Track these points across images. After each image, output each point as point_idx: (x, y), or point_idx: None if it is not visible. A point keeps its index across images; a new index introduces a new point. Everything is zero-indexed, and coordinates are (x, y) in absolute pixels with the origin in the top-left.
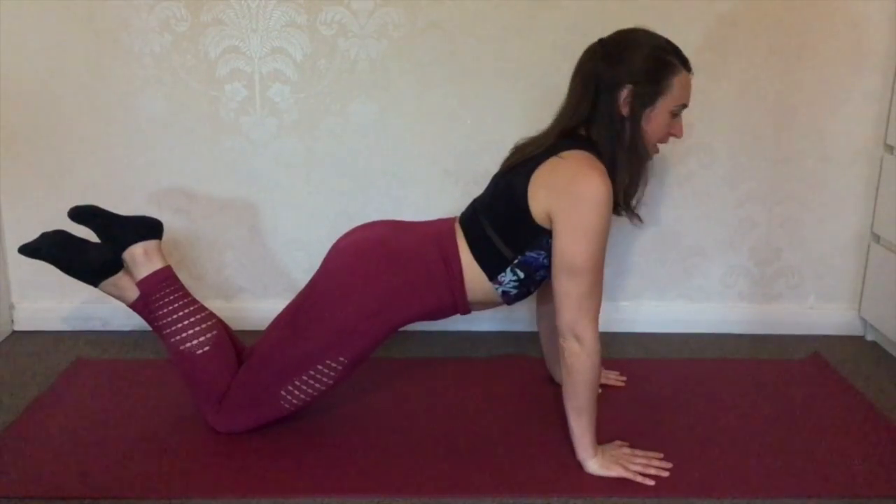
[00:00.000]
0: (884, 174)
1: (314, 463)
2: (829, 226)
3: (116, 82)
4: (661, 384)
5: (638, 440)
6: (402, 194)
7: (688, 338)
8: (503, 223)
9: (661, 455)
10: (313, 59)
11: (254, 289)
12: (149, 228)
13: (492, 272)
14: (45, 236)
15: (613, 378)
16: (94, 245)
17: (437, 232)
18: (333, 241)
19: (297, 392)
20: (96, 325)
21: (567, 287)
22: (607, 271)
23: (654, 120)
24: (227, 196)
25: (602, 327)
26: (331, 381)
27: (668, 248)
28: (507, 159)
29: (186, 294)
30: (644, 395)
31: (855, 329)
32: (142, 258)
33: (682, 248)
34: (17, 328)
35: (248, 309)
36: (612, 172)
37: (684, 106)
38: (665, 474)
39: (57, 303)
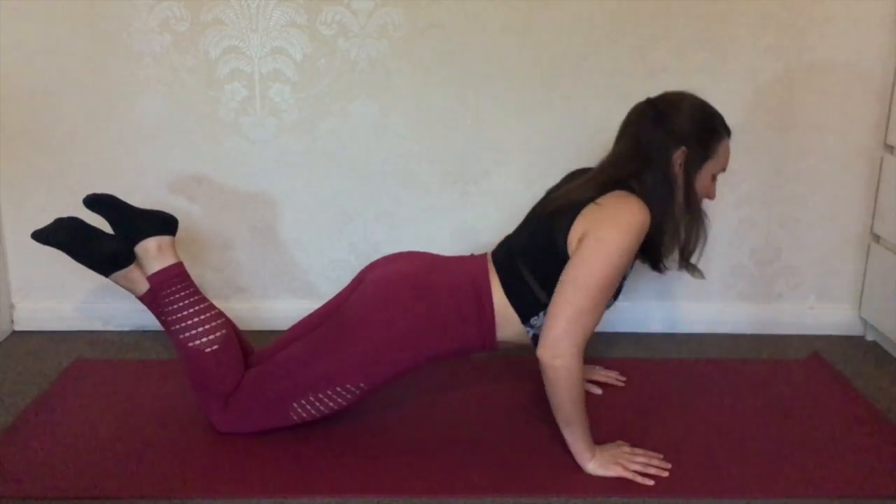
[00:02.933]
0: (884, 174)
1: (314, 463)
2: (829, 226)
3: (116, 82)
4: (661, 384)
5: (638, 440)
6: (402, 194)
7: (688, 338)
8: (540, 267)
9: (661, 455)
10: (313, 59)
11: (254, 289)
12: (164, 223)
13: (525, 315)
14: (59, 222)
15: (613, 378)
16: (108, 235)
17: (470, 270)
18: (333, 241)
19: (308, 407)
20: (96, 325)
21: (569, 298)
22: None
23: (699, 182)
24: (226, 196)
25: (602, 327)
26: (345, 403)
27: None
28: (546, 201)
29: (197, 292)
30: (644, 395)
31: (855, 329)
32: (155, 252)
33: None
34: (17, 328)
35: (248, 309)
36: (662, 227)
37: (723, 170)
38: (665, 474)
39: (57, 303)
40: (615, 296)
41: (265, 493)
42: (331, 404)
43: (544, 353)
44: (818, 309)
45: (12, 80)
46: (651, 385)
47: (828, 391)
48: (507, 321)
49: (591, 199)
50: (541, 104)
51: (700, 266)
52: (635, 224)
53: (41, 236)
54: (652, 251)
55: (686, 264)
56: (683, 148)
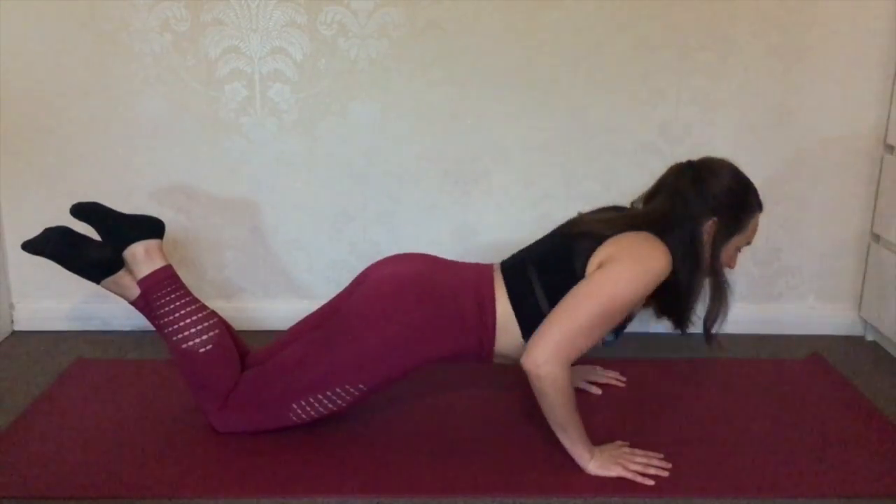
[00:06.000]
0: (884, 174)
1: (314, 463)
2: (829, 226)
3: (116, 82)
4: (661, 384)
5: (638, 440)
6: (402, 194)
7: (688, 338)
8: (553, 283)
9: (661, 455)
10: (313, 59)
11: (254, 289)
12: (150, 227)
13: (527, 328)
14: (48, 232)
15: (614, 378)
16: (96, 242)
17: (476, 275)
18: (333, 241)
19: (308, 408)
20: (96, 325)
21: (571, 312)
22: None
23: (725, 252)
24: (227, 196)
25: None
26: (344, 405)
27: None
28: (574, 222)
29: (188, 293)
30: (644, 395)
31: (855, 329)
32: (143, 257)
33: None
34: (17, 328)
35: (248, 309)
36: (690, 288)
37: (748, 244)
38: (665, 474)
39: (57, 303)
40: (615, 333)
41: (265, 493)
42: (330, 406)
43: (528, 361)
44: (818, 309)
45: (12, 80)
46: (651, 385)
47: (828, 391)
48: (507, 332)
49: (621, 231)
50: (541, 104)
51: None
52: (655, 266)
53: (31, 247)
54: (676, 310)
55: (707, 334)
56: (715, 219)
